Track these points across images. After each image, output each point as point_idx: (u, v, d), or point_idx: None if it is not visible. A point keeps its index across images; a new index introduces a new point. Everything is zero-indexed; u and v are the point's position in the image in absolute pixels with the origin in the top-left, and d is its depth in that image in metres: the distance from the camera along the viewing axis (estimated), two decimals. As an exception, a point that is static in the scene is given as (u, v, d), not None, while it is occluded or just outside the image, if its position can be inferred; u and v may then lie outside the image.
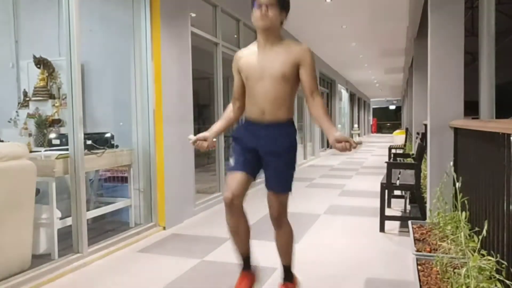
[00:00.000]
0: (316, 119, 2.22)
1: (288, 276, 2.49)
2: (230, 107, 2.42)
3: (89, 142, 3.56)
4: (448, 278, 2.17)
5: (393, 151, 8.37)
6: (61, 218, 3.37)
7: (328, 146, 15.41)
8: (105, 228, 4.08)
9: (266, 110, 2.19)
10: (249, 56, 2.26)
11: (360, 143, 2.04)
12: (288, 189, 2.31)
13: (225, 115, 2.42)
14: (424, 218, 3.75)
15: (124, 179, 4.28)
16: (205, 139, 2.33)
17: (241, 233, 2.34)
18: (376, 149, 16.22)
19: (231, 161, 2.31)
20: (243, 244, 2.38)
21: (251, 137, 2.26)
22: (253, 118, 2.25)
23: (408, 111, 12.63)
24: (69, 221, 3.33)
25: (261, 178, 2.37)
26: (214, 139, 2.37)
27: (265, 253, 2.72)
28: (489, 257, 1.99)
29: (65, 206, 3.46)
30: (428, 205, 3.80)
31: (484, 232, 1.98)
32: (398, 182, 4.27)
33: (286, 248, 2.46)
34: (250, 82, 2.22)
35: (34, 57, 4.30)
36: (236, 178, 2.22)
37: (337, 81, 16.54)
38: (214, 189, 5.79)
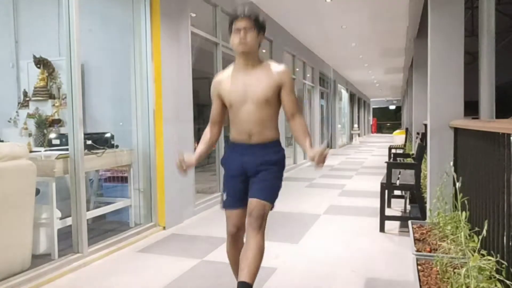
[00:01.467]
0: (296, 138, 2.28)
1: None
2: (208, 131, 2.38)
3: (89, 142, 3.56)
4: (448, 278, 2.16)
5: (393, 151, 8.38)
6: (61, 218, 3.37)
7: (328, 146, 15.40)
8: (105, 228, 4.08)
9: (252, 133, 2.20)
10: (229, 80, 2.24)
11: (326, 147, 2.08)
12: (272, 198, 2.24)
13: (205, 140, 2.37)
14: (424, 218, 3.74)
15: (124, 179, 4.28)
16: (188, 165, 2.27)
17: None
18: (376, 149, 16.22)
19: (224, 195, 2.31)
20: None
21: (239, 160, 2.26)
22: (240, 141, 2.25)
23: (408, 111, 12.64)
24: (69, 221, 3.33)
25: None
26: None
27: (264, 253, 2.71)
28: (489, 257, 1.99)
29: (65, 206, 3.46)
30: (428, 205, 3.80)
31: (484, 232, 1.98)
32: (398, 182, 4.27)
33: (253, 263, 2.16)
34: (234, 107, 2.21)
35: (34, 57, 4.31)
36: (235, 214, 2.28)
37: (337, 81, 16.55)
38: (214, 189, 5.79)
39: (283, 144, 2.42)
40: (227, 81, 2.25)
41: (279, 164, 2.28)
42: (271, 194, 2.23)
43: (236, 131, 2.26)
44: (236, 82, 2.21)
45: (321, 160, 2.02)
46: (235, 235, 2.30)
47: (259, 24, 2.17)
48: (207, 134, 2.38)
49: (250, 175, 2.25)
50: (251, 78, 2.19)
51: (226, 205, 2.31)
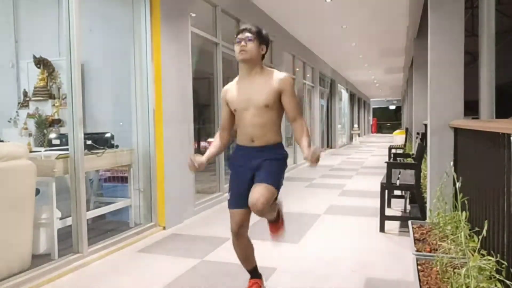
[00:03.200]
0: (296, 139, 2.38)
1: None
2: (218, 137, 2.56)
3: (89, 142, 3.56)
4: (448, 278, 2.16)
5: (393, 151, 8.37)
6: (61, 218, 3.37)
7: (328, 146, 15.45)
8: (105, 228, 4.08)
9: (254, 137, 2.35)
10: (234, 88, 2.43)
11: (318, 149, 2.15)
12: (276, 183, 2.31)
13: (215, 143, 2.55)
14: (424, 218, 3.74)
15: (124, 179, 4.28)
16: (199, 165, 2.37)
17: (248, 257, 2.53)
18: (376, 149, 16.22)
19: (228, 195, 2.46)
20: (250, 263, 2.55)
21: (243, 161, 2.40)
22: (244, 144, 2.41)
23: (408, 111, 12.63)
24: (69, 221, 3.33)
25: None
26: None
27: (264, 253, 2.73)
28: (489, 257, 1.99)
29: (65, 206, 3.46)
30: (428, 205, 3.80)
31: (484, 232, 1.98)
32: (398, 182, 4.27)
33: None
34: (239, 113, 2.39)
35: (34, 57, 4.30)
36: (238, 213, 2.40)
37: (337, 81, 16.55)
38: (214, 189, 5.79)
39: (283, 144, 2.50)
40: (232, 89, 2.44)
41: (282, 160, 2.42)
42: (276, 179, 2.34)
43: (241, 135, 2.42)
44: (240, 90, 2.40)
45: (313, 159, 2.11)
46: (238, 233, 2.42)
47: (260, 36, 2.36)
48: (217, 140, 2.56)
49: (255, 173, 2.35)
50: (253, 86, 2.35)
51: (229, 204, 2.45)
